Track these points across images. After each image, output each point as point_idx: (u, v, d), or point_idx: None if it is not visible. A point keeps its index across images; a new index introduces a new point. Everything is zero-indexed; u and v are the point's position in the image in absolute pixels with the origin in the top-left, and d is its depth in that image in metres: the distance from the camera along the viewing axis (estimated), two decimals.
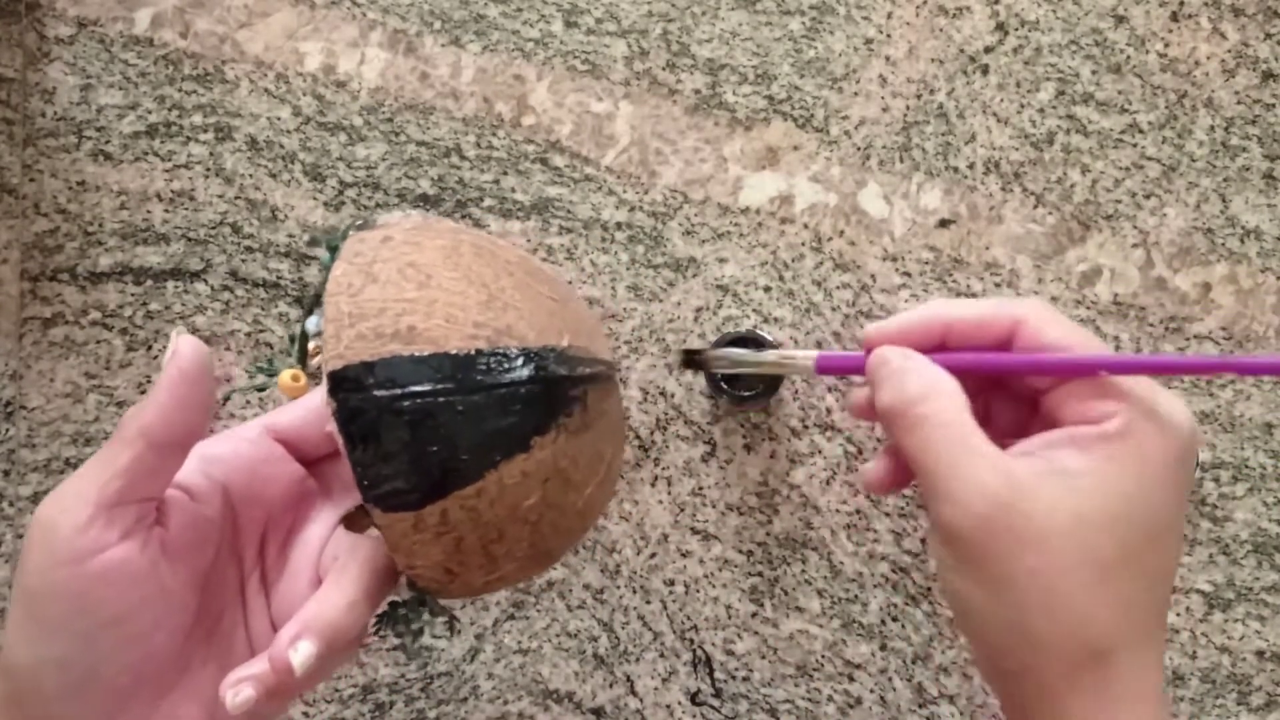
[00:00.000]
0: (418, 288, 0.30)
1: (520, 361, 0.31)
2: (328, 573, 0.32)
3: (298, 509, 0.34)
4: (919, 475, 0.29)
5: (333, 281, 0.30)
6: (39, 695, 0.27)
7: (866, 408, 0.32)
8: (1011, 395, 0.32)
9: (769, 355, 0.35)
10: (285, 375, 0.35)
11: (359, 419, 0.29)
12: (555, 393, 0.31)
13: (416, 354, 0.29)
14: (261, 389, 0.39)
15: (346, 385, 0.29)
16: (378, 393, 0.29)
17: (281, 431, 0.34)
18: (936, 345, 0.31)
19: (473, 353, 0.30)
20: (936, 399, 0.29)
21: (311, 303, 0.36)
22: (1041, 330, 0.29)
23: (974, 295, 0.50)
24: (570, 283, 0.51)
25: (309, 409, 0.34)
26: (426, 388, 0.29)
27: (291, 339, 0.37)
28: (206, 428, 0.29)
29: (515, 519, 0.31)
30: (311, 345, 0.36)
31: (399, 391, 0.29)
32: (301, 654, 0.28)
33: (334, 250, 0.33)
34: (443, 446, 0.29)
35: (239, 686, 0.28)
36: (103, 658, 0.28)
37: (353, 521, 0.35)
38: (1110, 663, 0.27)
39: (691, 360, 0.37)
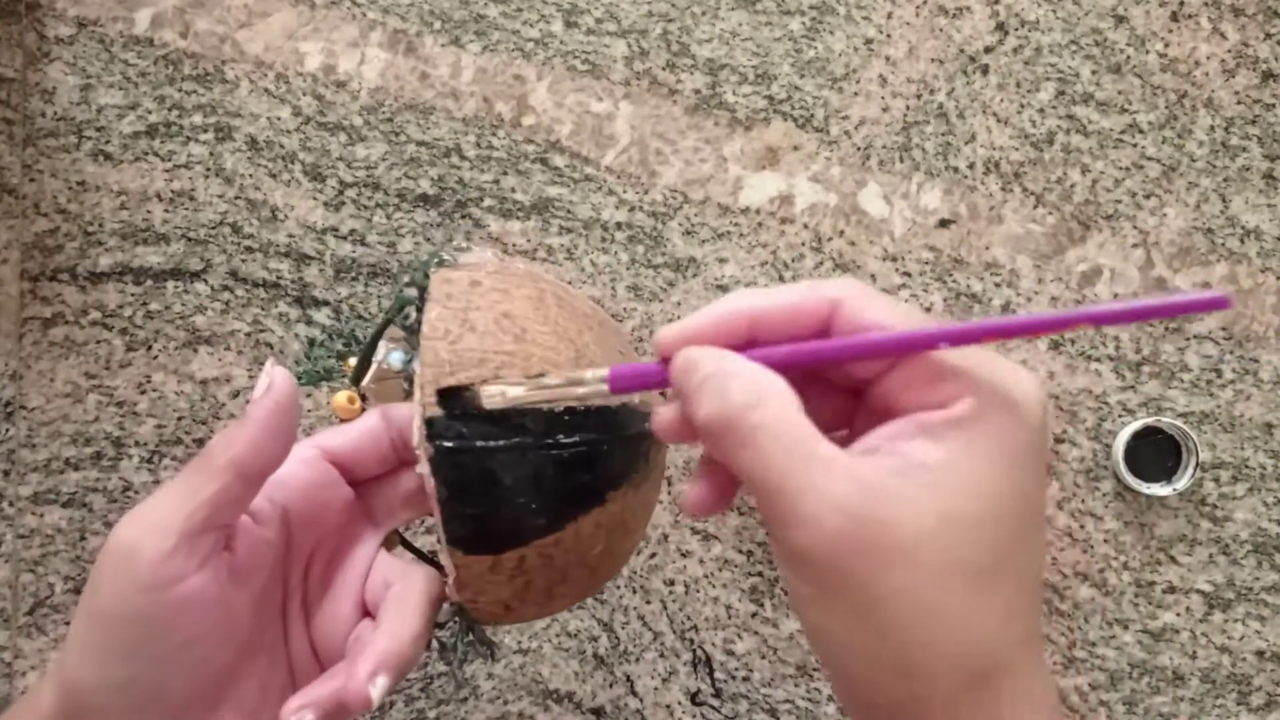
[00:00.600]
0: (514, 340, 0.31)
1: (603, 419, 0.32)
2: (378, 600, 0.32)
3: (343, 531, 0.35)
4: (758, 495, 0.24)
5: (429, 325, 0.31)
6: (102, 715, 0.28)
7: (677, 426, 0.28)
8: (828, 388, 0.28)
9: (550, 380, 0.29)
10: (342, 397, 0.36)
11: (453, 465, 0.30)
12: (630, 450, 0.33)
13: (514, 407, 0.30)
14: (309, 382, 0.40)
15: (444, 432, 0.30)
16: (475, 443, 0.30)
17: (335, 454, 0.34)
18: (744, 343, 0.26)
19: (563, 410, 0.31)
20: (766, 404, 0.24)
21: (380, 330, 0.36)
22: (861, 310, 0.25)
23: (975, 295, 0.50)
24: (567, 284, 0.51)
25: (364, 432, 0.34)
26: (520, 440, 0.30)
27: (311, 343, 0.38)
28: (288, 455, 0.30)
29: (581, 564, 0.33)
30: (372, 372, 0.37)
31: (495, 444, 0.30)
32: (380, 688, 0.29)
33: (422, 289, 0.34)
34: (532, 498, 0.31)
35: (302, 712, 0.29)
36: (169, 680, 0.28)
37: (387, 541, 0.36)
38: (997, 682, 0.24)
39: (450, 397, 0.30)
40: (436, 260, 0.35)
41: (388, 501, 0.35)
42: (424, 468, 0.30)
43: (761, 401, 0.24)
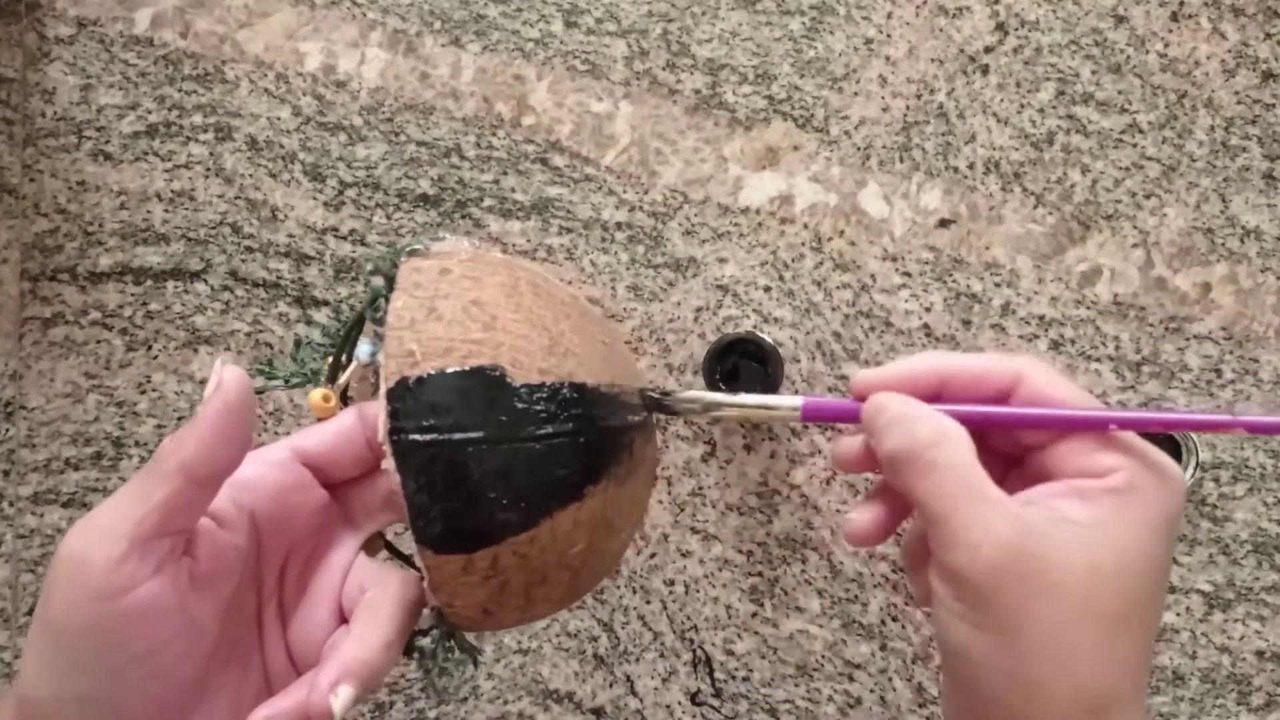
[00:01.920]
0: (483, 329, 0.30)
1: (580, 410, 0.31)
2: (356, 606, 0.31)
3: (319, 535, 0.33)
4: (928, 521, 0.28)
5: (394, 314, 0.30)
6: None
7: (857, 458, 0.31)
8: (991, 450, 0.31)
9: (749, 400, 0.32)
10: (316, 395, 0.34)
11: (420, 459, 0.29)
12: (610, 442, 0.32)
13: (484, 397, 0.29)
14: (260, 392, 0.38)
15: (410, 424, 0.29)
16: (443, 435, 0.29)
17: (310, 455, 0.33)
18: (932, 397, 0.30)
19: (535, 400, 0.30)
20: (947, 443, 0.28)
21: (353, 325, 0.35)
22: (1045, 387, 0.29)
23: (975, 296, 0.50)
24: (566, 284, 0.51)
25: (338, 432, 0.33)
26: (490, 433, 0.29)
27: (298, 344, 0.36)
28: (243, 460, 0.29)
29: (560, 565, 0.31)
30: (349, 370, 0.35)
31: (463, 436, 0.29)
32: (342, 699, 0.28)
33: (389, 278, 0.32)
34: (503, 493, 0.29)
35: None
36: (127, 692, 0.27)
37: (368, 545, 0.35)
38: (1109, 717, 0.27)
39: (657, 404, 0.34)
40: (408, 250, 0.33)
41: (365, 504, 0.34)
42: (389, 462, 0.29)
43: (944, 441, 0.28)
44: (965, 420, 0.29)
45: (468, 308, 0.30)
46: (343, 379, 0.35)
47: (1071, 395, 0.29)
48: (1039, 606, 0.26)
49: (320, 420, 0.34)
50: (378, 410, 0.30)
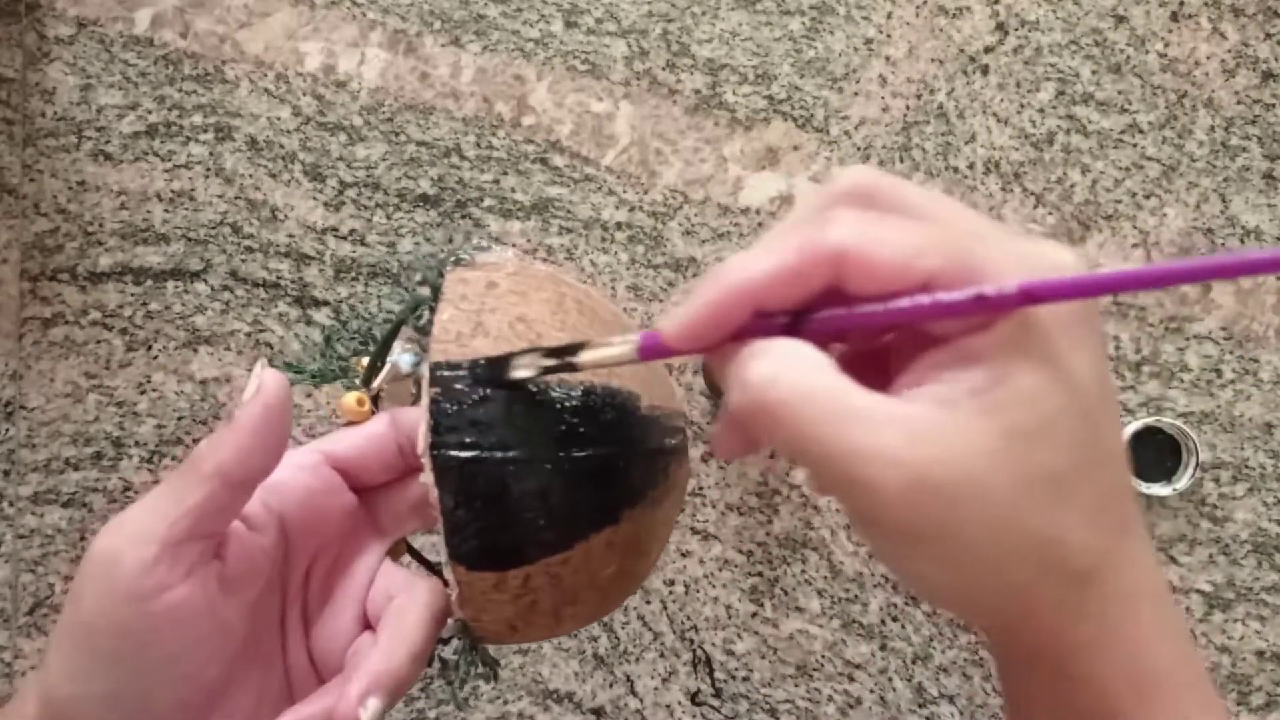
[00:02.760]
0: (529, 346, 0.30)
1: (620, 433, 0.30)
2: (380, 612, 0.31)
3: (346, 540, 0.33)
4: (811, 471, 0.23)
5: (440, 327, 0.29)
6: None
7: (729, 434, 0.27)
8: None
9: (583, 356, 0.28)
10: (350, 399, 0.34)
11: (459, 475, 0.28)
12: (648, 465, 0.31)
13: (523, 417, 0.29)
14: (323, 381, 0.38)
15: (452, 439, 0.28)
16: (484, 452, 0.28)
17: (340, 460, 0.32)
18: (752, 320, 0.24)
19: (578, 422, 0.29)
20: (785, 373, 0.22)
21: (393, 330, 0.34)
22: (874, 258, 0.22)
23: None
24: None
25: (369, 437, 0.33)
26: (531, 453, 0.29)
27: (327, 339, 0.36)
28: (278, 464, 0.28)
29: (591, 586, 0.31)
30: (382, 375, 0.35)
31: (504, 455, 0.28)
32: (371, 711, 0.28)
33: (435, 289, 0.32)
34: (539, 514, 0.29)
35: None
36: (154, 691, 0.27)
37: (392, 549, 0.35)
38: (1099, 576, 0.23)
39: (501, 372, 0.30)
40: (454, 259, 0.33)
41: (394, 510, 0.34)
42: (428, 476, 0.28)
43: (779, 374, 0.22)
44: (811, 336, 0.23)
45: (514, 324, 0.30)
46: (376, 383, 0.35)
47: (909, 251, 0.22)
48: (969, 509, 0.22)
49: (351, 424, 0.34)
50: (417, 420, 0.30)
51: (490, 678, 0.35)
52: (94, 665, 0.26)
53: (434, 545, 0.30)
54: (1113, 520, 0.24)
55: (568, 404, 0.30)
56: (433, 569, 0.37)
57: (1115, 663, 0.24)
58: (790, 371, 0.22)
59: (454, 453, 0.28)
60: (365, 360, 0.35)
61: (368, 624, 0.32)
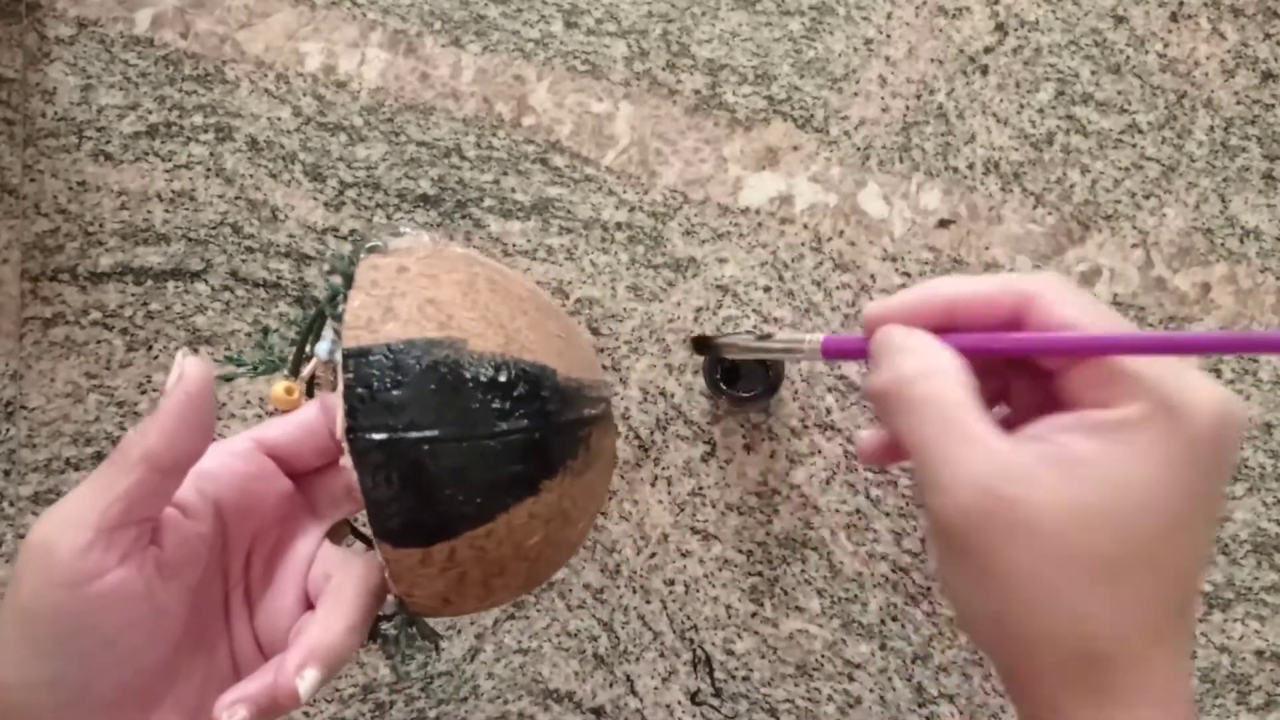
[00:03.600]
0: (439, 327, 0.30)
1: (535, 406, 0.31)
2: (320, 592, 0.32)
3: (284, 524, 0.34)
4: (913, 461, 0.26)
5: (350, 314, 0.30)
6: (28, 714, 0.27)
7: (880, 448, 0.31)
8: (1031, 375, 0.29)
9: (777, 339, 0.36)
10: (279, 388, 0.35)
11: (377, 457, 0.29)
12: (565, 437, 0.32)
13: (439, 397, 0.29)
14: (228, 379, 0.38)
15: (367, 423, 0.29)
16: (398, 434, 0.29)
17: (272, 446, 0.33)
18: (942, 325, 0.28)
19: (491, 398, 0.30)
20: (933, 378, 0.26)
21: (314, 319, 0.35)
22: (1053, 307, 0.27)
23: None
24: (567, 284, 0.51)
25: (301, 424, 0.34)
26: (445, 431, 0.29)
27: (264, 331, 0.37)
28: (207, 448, 0.29)
29: (518, 556, 0.32)
30: (311, 364, 0.35)
31: (418, 435, 0.29)
32: (308, 681, 0.29)
33: (347, 276, 0.33)
34: (458, 490, 0.30)
35: (234, 708, 0.28)
36: (95, 677, 0.28)
37: (334, 533, 0.35)
38: (1111, 668, 0.25)
39: (703, 345, 0.39)
40: (367, 247, 0.33)
41: (330, 493, 0.35)
42: (348, 460, 0.29)
43: (927, 376, 0.26)
44: (963, 348, 0.27)
45: (423, 306, 0.31)
46: (305, 371, 0.35)
47: (1085, 315, 0.26)
48: (1015, 551, 0.24)
49: (283, 412, 0.35)
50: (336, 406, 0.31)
51: (432, 650, 0.36)
52: (34, 652, 0.27)
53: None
54: (1149, 624, 0.25)
55: (480, 380, 0.30)
56: (371, 544, 0.38)
57: None
58: (938, 375, 0.26)
59: (370, 435, 0.29)
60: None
61: (309, 605, 0.33)
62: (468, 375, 0.30)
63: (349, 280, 0.32)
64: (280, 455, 0.34)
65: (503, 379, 0.31)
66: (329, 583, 0.32)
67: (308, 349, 0.36)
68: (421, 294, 0.31)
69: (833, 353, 0.32)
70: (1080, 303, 0.27)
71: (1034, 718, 0.27)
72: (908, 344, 0.27)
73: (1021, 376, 0.30)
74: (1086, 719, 0.25)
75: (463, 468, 0.30)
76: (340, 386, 0.29)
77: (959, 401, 0.26)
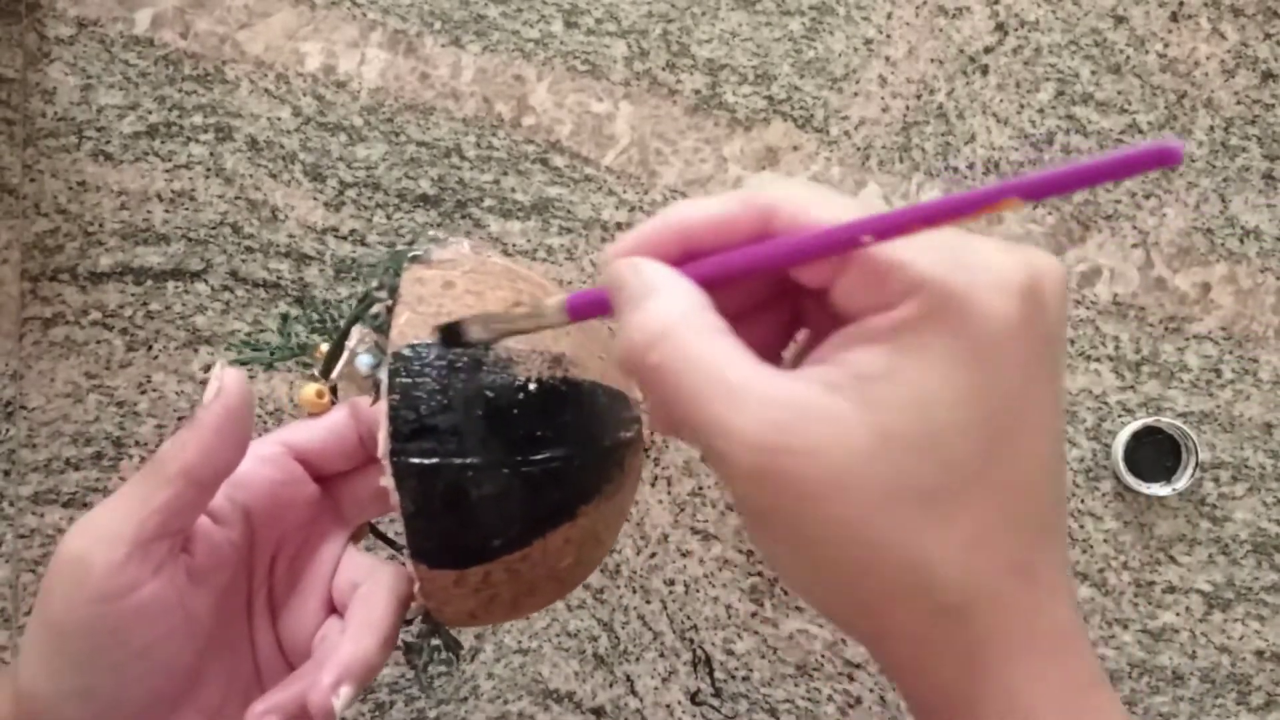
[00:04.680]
0: (486, 350, 0.30)
1: (577, 433, 0.31)
2: (345, 598, 0.32)
3: (309, 527, 0.34)
4: (685, 433, 0.23)
5: (398, 331, 0.30)
6: None
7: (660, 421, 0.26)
8: (823, 309, 0.24)
9: (518, 311, 0.27)
10: (309, 391, 0.35)
11: (418, 481, 0.29)
12: (604, 461, 0.32)
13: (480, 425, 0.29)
14: (245, 363, 0.38)
15: (411, 446, 0.29)
16: (441, 460, 0.29)
17: (302, 451, 0.33)
18: (682, 257, 0.23)
19: (535, 427, 0.30)
20: (671, 335, 0.21)
21: (350, 323, 0.35)
22: (800, 213, 0.22)
23: None
24: (567, 283, 0.51)
25: (330, 428, 0.33)
26: (489, 458, 0.29)
27: (284, 318, 0.36)
28: (242, 460, 0.29)
29: (550, 577, 0.32)
30: (340, 365, 0.35)
31: (462, 461, 0.29)
32: (343, 699, 0.29)
33: (392, 288, 0.32)
34: (498, 517, 0.29)
35: (266, 718, 0.28)
36: (127, 686, 0.28)
37: (355, 532, 0.35)
38: (971, 617, 0.21)
39: (450, 334, 0.29)
40: (410, 256, 0.33)
41: (356, 498, 0.35)
42: (389, 481, 0.29)
43: (662, 336, 0.21)
44: (702, 278, 0.22)
45: None
46: (335, 374, 0.35)
47: (836, 211, 0.22)
48: (823, 507, 0.20)
49: (312, 415, 0.34)
50: (378, 413, 0.30)
51: (453, 660, 0.36)
52: (66, 664, 0.27)
53: (394, 521, 0.31)
54: (1000, 556, 0.21)
55: (526, 406, 0.30)
56: (396, 547, 0.38)
57: (989, 712, 0.21)
58: (673, 333, 0.21)
59: (413, 459, 0.29)
60: (324, 348, 0.36)
61: (333, 609, 0.33)
62: (513, 401, 0.30)
63: (393, 292, 0.32)
64: (308, 459, 0.33)
65: (548, 406, 0.30)
66: (357, 593, 0.31)
67: (343, 354, 0.35)
68: (468, 313, 0.30)
69: (579, 310, 0.26)
70: (828, 201, 0.22)
71: (913, 695, 0.23)
72: (637, 284, 0.22)
73: (816, 314, 0.25)
74: (957, 679, 0.21)
75: (504, 495, 0.29)
76: (385, 405, 0.29)
77: (710, 352, 0.21)
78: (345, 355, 0.35)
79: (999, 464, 0.21)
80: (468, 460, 0.29)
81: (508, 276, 0.33)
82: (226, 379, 0.28)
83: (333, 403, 0.35)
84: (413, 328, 0.30)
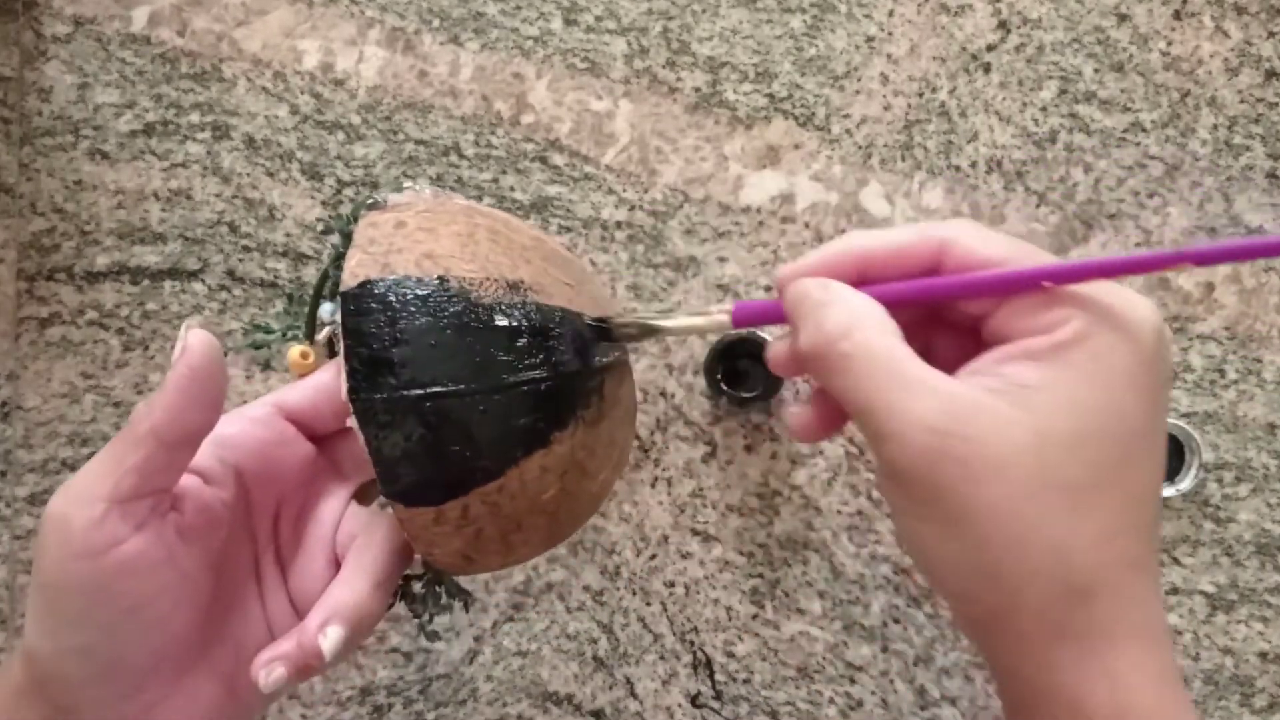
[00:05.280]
0: (437, 282, 0.30)
1: (541, 355, 0.30)
2: (346, 552, 0.32)
3: (310, 486, 0.34)
4: (856, 418, 0.26)
5: (348, 272, 0.30)
6: (64, 682, 0.28)
7: (789, 359, 0.29)
8: (952, 328, 0.29)
9: (681, 317, 0.32)
10: (294, 352, 0.35)
11: (381, 417, 0.29)
12: (574, 387, 0.31)
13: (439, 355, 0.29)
14: (257, 347, 0.38)
15: (370, 384, 0.29)
16: (401, 392, 0.29)
17: (292, 410, 0.34)
18: (857, 281, 0.27)
19: (497, 352, 0.30)
20: (860, 330, 0.25)
21: (321, 280, 0.35)
22: (973, 250, 0.26)
23: None
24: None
25: (319, 387, 0.34)
26: (449, 387, 0.29)
27: (289, 297, 0.36)
28: (217, 420, 0.29)
29: (534, 510, 0.31)
30: (323, 332, 0.35)
31: (421, 392, 0.29)
32: (331, 639, 0.29)
33: (346, 235, 0.32)
34: (465, 445, 0.29)
35: (271, 665, 0.29)
36: (125, 644, 0.28)
37: (362, 494, 0.35)
38: (1093, 600, 0.24)
39: (600, 333, 0.33)
40: (367, 203, 0.33)
41: (353, 454, 0.35)
42: (353, 421, 0.29)
43: (853, 329, 0.25)
44: (884, 299, 0.26)
45: (420, 261, 0.30)
46: (321, 336, 0.35)
47: (1004, 251, 0.26)
48: (984, 489, 0.23)
49: (301, 377, 0.35)
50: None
51: (465, 607, 0.36)
52: (61, 621, 0.27)
53: None
54: (1123, 550, 0.24)
55: (482, 331, 0.30)
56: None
57: (1093, 692, 0.24)
58: (863, 328, 0.25)
59: (372, 394, 0.29)
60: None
61: (339, 566, 0.33)
62: (467, 327, 0.30)
63: (348, 239, 0.32)
64: (300, 419, 0.34)
65: (506, 327, 0.30)
66: (355, 543, 0.32)
67: (314, 312, 0.36)
68: (418, 248, 0.30)
69: (745, 319, 0.30)
70: (997, 240, 0.26)
71: (1012, 669, 0.25)
72: (826, 297, 0.26)
73: (941, 333, 0.29)
74: (1070, 660, 0.24)
75: (468, 423, 0.29)
76: (341, 347, 0.29)
77: (892, 348, 0.25)
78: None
79: (1130, 470, 0.24)
80: (427, 391, 0.29)
81: (464, 213, 0.33)
82: (190, 339, 0.28)
83: (327, 361, 0.35)
84: (363, 268, 0.30)
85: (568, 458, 0.31)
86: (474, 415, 0.29)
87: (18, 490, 0.51)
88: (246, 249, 0.52)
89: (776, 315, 0.29)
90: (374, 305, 0.29)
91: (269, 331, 0.37)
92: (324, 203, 0.52)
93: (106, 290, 0.52)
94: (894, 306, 0.26)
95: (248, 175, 0.52)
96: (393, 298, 0.29)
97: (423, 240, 0.31)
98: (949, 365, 0.26)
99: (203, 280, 0.52)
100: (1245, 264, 0.49)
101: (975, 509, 0.23)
